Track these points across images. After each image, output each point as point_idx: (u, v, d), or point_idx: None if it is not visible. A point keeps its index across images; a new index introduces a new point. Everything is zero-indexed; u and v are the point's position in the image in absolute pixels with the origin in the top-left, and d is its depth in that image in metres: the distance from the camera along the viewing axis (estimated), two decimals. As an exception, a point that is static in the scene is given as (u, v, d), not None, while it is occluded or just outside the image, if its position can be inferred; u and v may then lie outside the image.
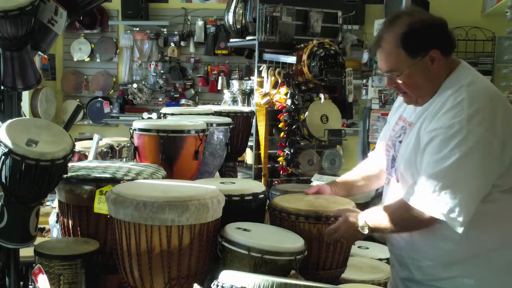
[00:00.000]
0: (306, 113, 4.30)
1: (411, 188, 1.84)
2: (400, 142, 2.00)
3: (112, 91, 7.65)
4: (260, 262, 1.76)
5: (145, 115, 4.28)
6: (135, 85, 7.43)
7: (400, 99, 2.11)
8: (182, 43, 7.40)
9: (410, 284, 2.03)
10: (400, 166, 1.96)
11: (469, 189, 1.74)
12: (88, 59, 7.63)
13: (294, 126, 4.34)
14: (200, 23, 7.28)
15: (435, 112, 1.83)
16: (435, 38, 1.84)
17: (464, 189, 1.73)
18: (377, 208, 1.97)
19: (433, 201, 1.75)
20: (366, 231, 1.92)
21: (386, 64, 1.89)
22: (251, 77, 5.49)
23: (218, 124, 2.93)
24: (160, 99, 7.52)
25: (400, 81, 1.88)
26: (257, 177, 4.57)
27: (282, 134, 4.41)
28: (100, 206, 2.04)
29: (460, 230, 1.74)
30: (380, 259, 2.73)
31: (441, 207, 1.74)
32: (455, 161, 1.72)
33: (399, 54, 1.84)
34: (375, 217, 1.92)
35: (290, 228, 2.07)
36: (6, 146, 1.80)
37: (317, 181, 3.49)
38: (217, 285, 1.54)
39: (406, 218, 1.84)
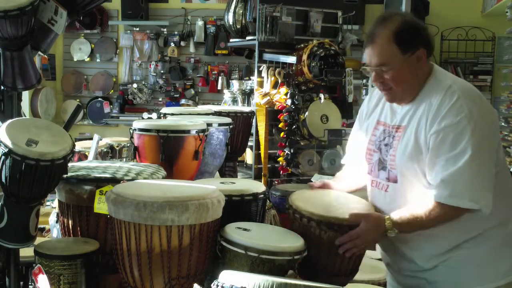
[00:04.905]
0: (306, 113, 4.31)
1: (436, 188, 1.90)
2: (386, 145, 2.08)
3: (112, 91, 7.64)
4: (258, 262, 1.76)
5: (145, 115, 4.28)
6: (135, 85, 7.42)
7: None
8: (182, 43, 7.40)
9: (417, 274, 2.08)
10: (399, 167, 2.01)
11: (489, 173, 1.91)
12: (88, 59, 7.62)
13: (294, 126, 4.34)
14: (200, 23, 7.27)
15: (433, 113, 1.94)
16: (423, 38, 2.00)
17: (486, 175, 1.90)
18: (404, 211, 1.94)
19: (468, 194, 1.86)
20: (392, 235, 1.92)
21: (378, 58, 1.98)
22: (251, 77, 5.49)
23: (218, 124, 2.93)
24: (160, 99, 7.51)
25: (388, 76, 1.98)
26: (257, 177, 4.57)
27: (282, 134, 4.41)
28: (100, 206, 2.04)
29: (487, 212, 1.88)
30: (380, 259, 2.73)
31: (475, 197, 1.86)
32: (473, 152, 1.86)
33: (392, 49, 1.95)
34: (405, 220, 1.92)
35: (301, 230, 1.98)
36: (6, 146, 1.80)
37: (317, 181, 3.49)
38: (217, 285, 1.54)
39: (442, 215, 1.91)
